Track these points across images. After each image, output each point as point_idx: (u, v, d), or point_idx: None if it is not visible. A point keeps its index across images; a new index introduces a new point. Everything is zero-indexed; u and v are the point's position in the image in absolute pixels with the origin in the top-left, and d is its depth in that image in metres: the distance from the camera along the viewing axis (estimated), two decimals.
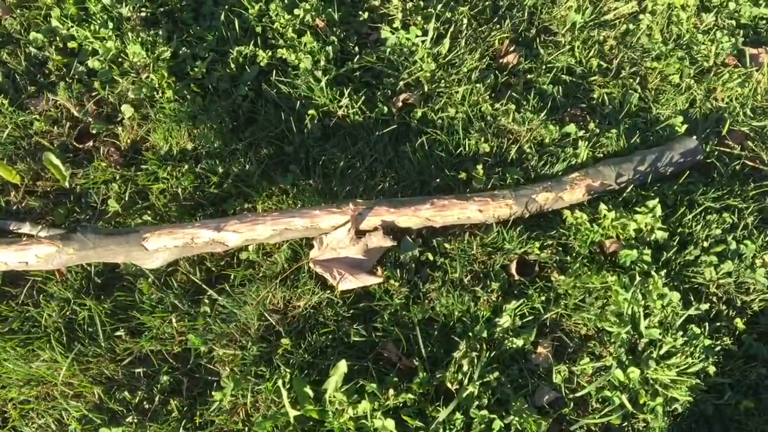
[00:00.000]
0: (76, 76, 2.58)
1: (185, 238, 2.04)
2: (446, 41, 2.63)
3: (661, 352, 2.07)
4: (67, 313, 2.11)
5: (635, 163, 2.40)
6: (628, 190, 2.35)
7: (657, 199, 2.26)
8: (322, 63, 2.58)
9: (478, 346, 2.06)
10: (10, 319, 2.11)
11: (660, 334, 2.08)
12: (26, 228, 2.20)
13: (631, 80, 2.75)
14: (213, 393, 1.96)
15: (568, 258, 2.25)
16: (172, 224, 2.10)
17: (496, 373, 2.00)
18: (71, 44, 2.64)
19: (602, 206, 2.27)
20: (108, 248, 1.99)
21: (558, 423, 2.03)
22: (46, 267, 2.00)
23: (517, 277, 2.21)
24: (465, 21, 2.74)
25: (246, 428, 1.94)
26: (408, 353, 2.08)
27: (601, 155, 2.48)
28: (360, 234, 2.18)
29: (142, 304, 2.12)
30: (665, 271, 2.18)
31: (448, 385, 2.00)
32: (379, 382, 1.95)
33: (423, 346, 2.05)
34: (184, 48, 2.62)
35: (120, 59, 2.60)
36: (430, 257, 2.22)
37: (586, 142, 2.45)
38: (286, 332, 2.07)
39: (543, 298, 2.17)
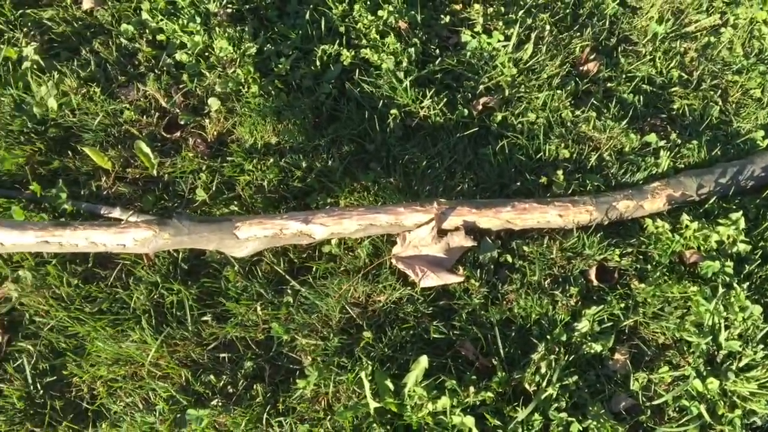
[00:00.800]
0: (165, 68, 2.65)
1: (274, 229, 2.09)
2: (529, 47, 2.66)
3: (741, 364, 2.07)
4: (155, 296, 2.17)
5: (716, 175, 2.39)
6: (710, 201, 2.35)
7: (740, 212, 2.26)
8: (405, 64, 2.61)
9: (557, 349, 2.07)
10: (99, 299, 2.17)
11: (740, 346, 2.08)
12: (116, 213, 2.28)
13: (711, 93, 2.75)
14: (297, 381, 2.00)
15: (648, 267, 2.25)
16: (262, 215, 2.15)
17: (575, 377, 2.01)
18: (160, 37, 2.72)
19: (684, 216, 2.27)
20: (202, 235, 2.05)
21: (634, 430, 2.03)
22: (141, 250, 2.07)
23: (596, 283, 2.21)
24: (547, 28, 2.76)
25: (327, 417, 1.97)
26: (485, 353, 2.10)
27: (682, 166, 2.48)
28: (441, 233, 2.21)
29: (227, 291, 2.18)
30: (747, 284, 2.18)
31: (526, 386, 2.02)
32: (457, 379, 1.98)
33: (501, 347, 2.07)
34: (268, 45, 2.68)
35: (207, 53, 2.67)
36: (509, 259, 2.24)
37: (668, 152, 2.45)
38: (367, 326, 2.11)
39: (622, 305, 2.17)
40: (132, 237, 2.02)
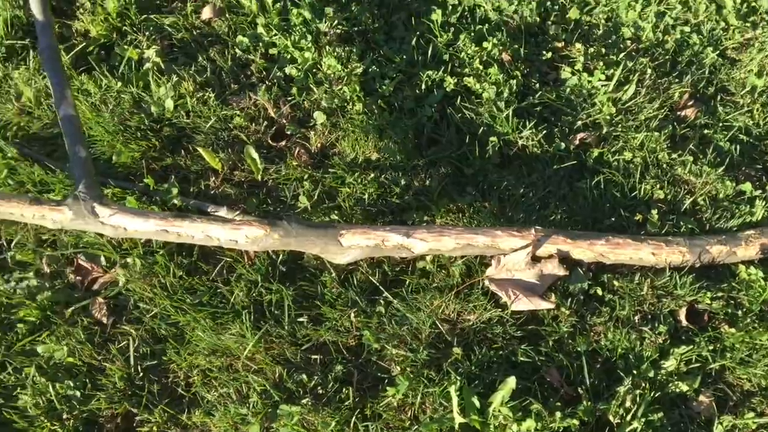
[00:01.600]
0: (275, 81, 2.78)
1: (377, 240, 2.17)
2: (630, 88, 2.71)
3: None
4: (254, 294, 2.27)
5: None
6: None
7: None
8: (506, 94, 2.68)
9: (643, 384, 2.09)
10: (200, 292, 2.28)
11: None
12: (222, 212, 2.38)
13: None
14: (386, 388, 2.06)
15: (739, 312, 2.26)
16: (365, 225, 2.23)
17: (660, 414, 2.03)
18: (272, 51, 2.85)
19: None
20: (308, 239, 2.14)
21: None
22: (251, 248, 2.17)
23: (685, 324, 2.23)
24: (648, 71, 2.81)
25: (412, 427, 2.02)
26: (570, 381, 2.13)
27: None
28: (535, 259, 2.26)
29: (324, 295, 2.26)
30: None
31: (610, 417, 2.04)
32: (542, 404, 2.02)
33: (587, 376, 2.10)
34: (374, 66, 2.78)
35: (315, 70, 2.79)
36: (599, 292, 2.28)
37: (763, 202, 2.47)
38: (456, 342, 2.16)
39: (711, 347, 2.18)
40: (245, 234, 2.12)
